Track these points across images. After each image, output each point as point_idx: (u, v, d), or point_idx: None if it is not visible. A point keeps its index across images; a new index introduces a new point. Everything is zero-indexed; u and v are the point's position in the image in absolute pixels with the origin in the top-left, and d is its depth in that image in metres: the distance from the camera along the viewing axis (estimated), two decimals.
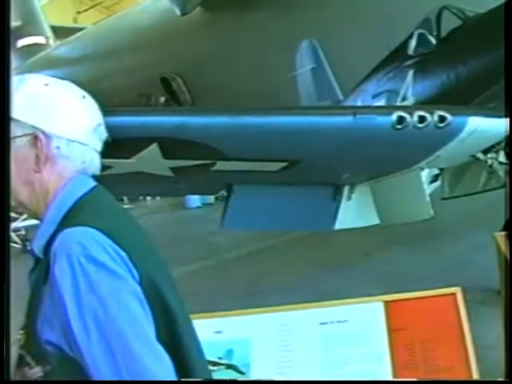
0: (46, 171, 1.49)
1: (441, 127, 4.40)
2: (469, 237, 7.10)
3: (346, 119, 4.21)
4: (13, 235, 11.41)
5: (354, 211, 5.51)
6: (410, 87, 6.23)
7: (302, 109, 6.17)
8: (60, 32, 19.17)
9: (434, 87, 5.97)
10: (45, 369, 1.37)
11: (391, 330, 2.28)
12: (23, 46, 19.65)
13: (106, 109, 1.64)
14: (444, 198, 6.11)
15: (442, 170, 5.83)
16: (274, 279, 6.77)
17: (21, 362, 1.42)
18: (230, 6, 11.88)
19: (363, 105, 6.99)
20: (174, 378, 1.33)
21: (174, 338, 1.42)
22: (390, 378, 2.19)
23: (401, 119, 4.29)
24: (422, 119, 4.33)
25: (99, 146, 1.56)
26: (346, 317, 2.36)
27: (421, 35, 6.37)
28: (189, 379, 1.40)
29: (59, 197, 1.48)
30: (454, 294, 2.33)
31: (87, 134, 1.53)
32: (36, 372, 1.38)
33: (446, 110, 4.47)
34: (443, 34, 6.28)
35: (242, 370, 2.24)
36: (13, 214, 11.71)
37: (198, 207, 14.16)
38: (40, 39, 20.43)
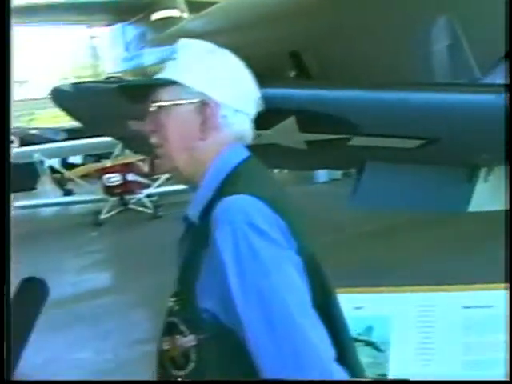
0: (210, 139, 1.49)
1: None
2: None
3: (490, 97, 4.03)
4: (145, 200, 11.87)
5: (490, 194, 5.29)
6: None
7: (444, 85, 5.96)
8: (194, 6, 19.57)
9: None
10: (199, 337, 1.36)
11: None
12: (158, 19, 20.23)
13: None
14: None
15: None
16: (396, 259, 6.65)
17: (172, 329, 1.40)
18: None
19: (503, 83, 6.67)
20: (332, 352, 1.30)
21: (329, 311, 1.40)
22: None
23: None
24: None
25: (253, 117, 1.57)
26: (490, 302, 2.27)
27: None
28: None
29: (216, 164, 1.48)
30: None
31: (250, 104, 1.53)
32: (189, 340, 1.37)
33: None
34: None
35: (381, 347, 2.21)
36: (145, 180, 12.20)
37: (325, 182, 14.04)
38: (174, 12, 20.95)
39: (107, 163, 11.97)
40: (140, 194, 11.94)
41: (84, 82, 5.21)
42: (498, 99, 4.05)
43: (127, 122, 4.21)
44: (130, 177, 11.79)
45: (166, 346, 1.41)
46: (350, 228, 8.60)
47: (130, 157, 11.90)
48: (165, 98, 1.49)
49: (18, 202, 12.42)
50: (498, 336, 2.17)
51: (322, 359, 1.26)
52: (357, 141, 4.18)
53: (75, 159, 14.51)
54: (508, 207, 3.70)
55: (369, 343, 2.21)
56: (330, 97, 3.78)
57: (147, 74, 11.01)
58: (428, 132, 4.14)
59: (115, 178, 11.55)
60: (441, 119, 4.03)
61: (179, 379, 1.38)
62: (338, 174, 13.35)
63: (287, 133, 3.94)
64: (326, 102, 3.74)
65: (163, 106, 1.49)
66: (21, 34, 25.12)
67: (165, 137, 1.50)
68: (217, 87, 1.48)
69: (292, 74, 13.99)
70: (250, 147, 1.58)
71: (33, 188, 14.79)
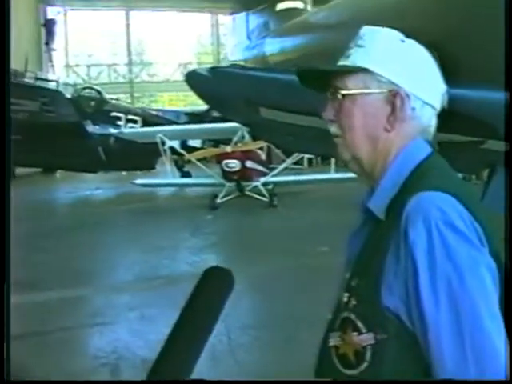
0: (395, 131, 1.42)
1: None
2: None
3: None
4: (262, 188, 12.04)
5: None
6: None
7: None
8: None
9: None
10: (378, 336, 1.29)
11: None
12: (282, 10, 20.32)
13: None
14: None
15: None
16: None
17: (347, 325, 1.34)
18: None
19: None
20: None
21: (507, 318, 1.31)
22: None
23: None
24: None
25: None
26: None
27: None
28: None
29: (400, 158, 1.41)
30: None
31: (438, 97, 1.47)
32: (366, 339, 1.30)
33: None
34: None
35: None
36: (263, 168, 12.37)
37: None
38: (299, 4, 20.98)
39: (227, 149, 12.17)
40: (257, 181, 12.11)
41: (221, 67, 5.38)
42: None
43: (259, 108, 4.31)
44: (249, 164, 11.95)
45: (336, 342, 1.36)
46: None
47: (250, 144, 12.09)
48: (351, 85, 1.44)
49: (138, 180, 12.89)
50: None
51: (504, 368, 1.21)
52: (491, 144, 4.07)
53: (194, 143, 14.85)
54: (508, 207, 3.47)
55: None
56: (473, 97, 3.70)
57: (268, 63, 11.12)
58: None
59: (234, 164, 11.75)
60: None
61: (348, 379, 1.33)
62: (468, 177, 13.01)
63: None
64: (467, 102, 3.66)
65: (349, 94, 1.43)
66: (146, 19, 25.97)
67: (349, 125, 1.44)
68: (408, 77, 1.42)
69: None
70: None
71: (152, 167, 15.31)
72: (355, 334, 1.32)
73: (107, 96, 16.80)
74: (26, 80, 14.84)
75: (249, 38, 13.83)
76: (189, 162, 14.18)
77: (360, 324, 1.32)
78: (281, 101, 3.16)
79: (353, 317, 1.33)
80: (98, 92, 16.28)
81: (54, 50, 22.13)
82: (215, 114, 12.93)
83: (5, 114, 1.41)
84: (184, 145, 14.37)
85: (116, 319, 5.80)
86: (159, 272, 7.90)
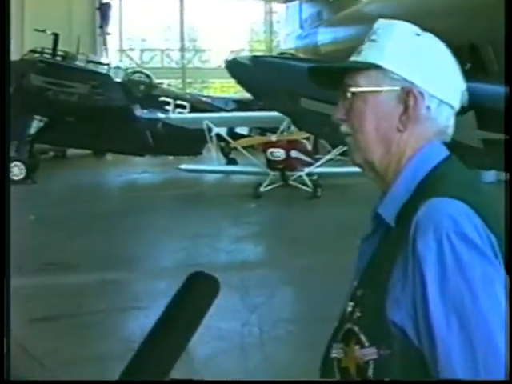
0: (408, 131, 1.32)
1: None
2: None
3: None
4: (306, 179, 11.92)
5: None
6: None
7: None
8: None
9: None
10: (381, 352, 1.20)
11: None
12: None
13: None
14: None
15: None
16: None
17: (349, 338, 1.27)
18: None
19: None
20: None
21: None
22: None
23: None
24: None
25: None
26: None
27: None
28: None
29: (415, 162, 1.32)
30: None
31: (457, 96, 1.35)
32: (369, 353, 1.22)
33: None
34: None
35: None
36: (308, 159, 12.26)
37: (492, 183, 13.47)
38: None
39: (273, 137, 12.11)
40: (301, 171, 12.02)
41: (262, 56, 5.32)
42: None
43: (300, 98, 4.24)
44: (294, 153, 11.86)
45: (337, 354, 1.29)
46: None
47: (296, 134, 11.98)
48: (362, 83, 1.35)
49: (184, 165, 12.93)
50: None
51: None
52: None
53: (241, 130, 14.84)
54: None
55: None
56: None
57: (319, 53, 10.99)
58: None
59: (279, 153, 11.67)
60: None
61: None
62: (503, 175, 12.73)
63: (464, 128, 3.76)
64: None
65: (360, 92, 1.34)
66: (200, 5, 26.02)
67: (359, 125, 1.35)
68: (423, 74, 1.32)
69: (467, 66, 13.42)
70: None
71: (199, 153, 15.36)
72: (357, 347, 1.24)
73: (157, 81, 16.93)
74: (77, 63, 15.03)
75: (301, 26, 13.78)
76: (235, 149, 14.17)
77: (363, 337, 1.24)
78: (322, 92, 3.09)
79: (356, 329, 1.26)
80: (148, 76, 16.39)
81: (109, 33, 22.31)
82: None
83: (5, 114, 1.37)
84: (231, 132, 14.36)
85: (151, 304, 5.80)
86: (198, 260, 7.88)
